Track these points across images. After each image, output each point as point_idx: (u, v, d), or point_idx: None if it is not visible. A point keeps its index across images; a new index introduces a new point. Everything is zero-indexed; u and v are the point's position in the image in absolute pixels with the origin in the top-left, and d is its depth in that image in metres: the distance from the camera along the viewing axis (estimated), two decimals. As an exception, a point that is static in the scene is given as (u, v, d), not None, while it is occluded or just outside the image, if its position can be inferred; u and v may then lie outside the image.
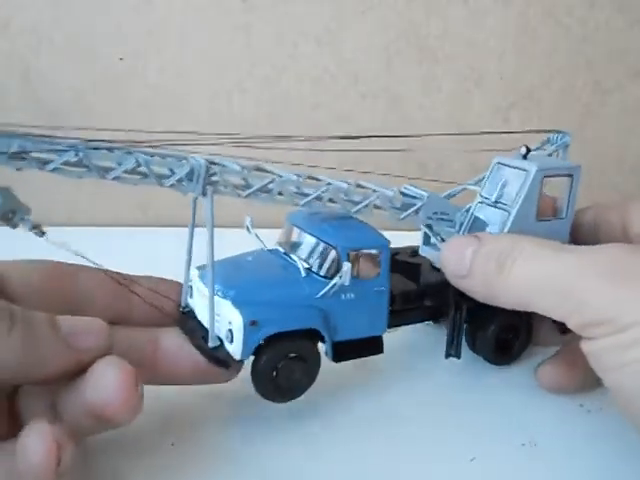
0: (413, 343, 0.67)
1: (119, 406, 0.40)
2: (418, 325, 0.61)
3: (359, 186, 0.51)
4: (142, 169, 0.43)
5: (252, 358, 0.49)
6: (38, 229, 0.41)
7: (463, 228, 0.57)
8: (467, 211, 0.57)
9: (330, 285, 0.49)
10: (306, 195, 0.49)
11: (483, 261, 0.49)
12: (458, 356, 0.60)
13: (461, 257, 0.50)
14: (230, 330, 0.47)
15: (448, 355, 0.60)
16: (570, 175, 0.58)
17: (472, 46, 1.03)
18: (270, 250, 0.56)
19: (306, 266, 0.51)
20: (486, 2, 1.01)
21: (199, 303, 0.51)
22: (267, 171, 0.48)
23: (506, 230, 0.55)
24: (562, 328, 0.60)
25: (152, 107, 1.04)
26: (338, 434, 0.52)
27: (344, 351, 0.52)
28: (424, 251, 0.61)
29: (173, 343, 0.50)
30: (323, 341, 0.51)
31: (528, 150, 0.57)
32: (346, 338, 0.52)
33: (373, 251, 0.52)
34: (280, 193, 0.48)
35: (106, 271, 0.49)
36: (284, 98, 1.04)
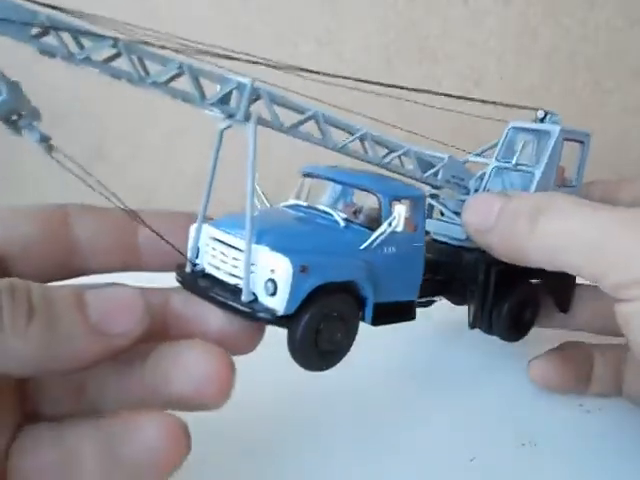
0: (412, 343, 0.67)
1: (216, 396, 0.38)
2: (413, 323, 0.60)
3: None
4: (185, 77, 0.37)
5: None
6: (47, 142, 0.34)
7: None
8: (481, 178, 0.57)
9: (379, 232, 0.45)
10: (347, 134, 0.45)
11: (512, 215, 0.46)
12: (486, 326, 0.56)
13: (488, 211, 0.48)
14: (272, 280, 0.40)
15: (474, 326, 0.56)
16: (582, 142, 0.58)
17: (472, 46, 1.03)
18: (288, 206, 0.50)
19: (343, 216, 0.47)
20: (486, 2, 1.01)
21: (215, 257, 0.45)
22: (304, 107, 0.44)
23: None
24: (562, 307, 0.60)
25: (154, 109, 1.04)
26: (338, 434, 0.52)
27: (382, 314, 0.47)
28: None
29: (188, 305, 0.43)
30: (360, 301, 0.46)
31: (546, 114, 0.57)
32: (384, 300, 0.47)
33: (412, 201, 0.48)
34: (320, 129, 0.44)
35: (107, 210, 0.41)
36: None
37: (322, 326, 0.42)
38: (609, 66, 1.05)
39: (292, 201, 0.50)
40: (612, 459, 0.50)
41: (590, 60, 1.05)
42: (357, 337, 0.46)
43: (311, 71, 0.43)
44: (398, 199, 0.47)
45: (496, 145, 0.60)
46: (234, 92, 0.40)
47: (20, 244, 0.42)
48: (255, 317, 0.41)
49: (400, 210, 0.44)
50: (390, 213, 0.45)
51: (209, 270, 0.45)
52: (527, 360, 0.63)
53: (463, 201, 0.54)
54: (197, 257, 0.46)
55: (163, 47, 0.36)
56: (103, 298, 0.36)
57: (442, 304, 0.60)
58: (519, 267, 0.49)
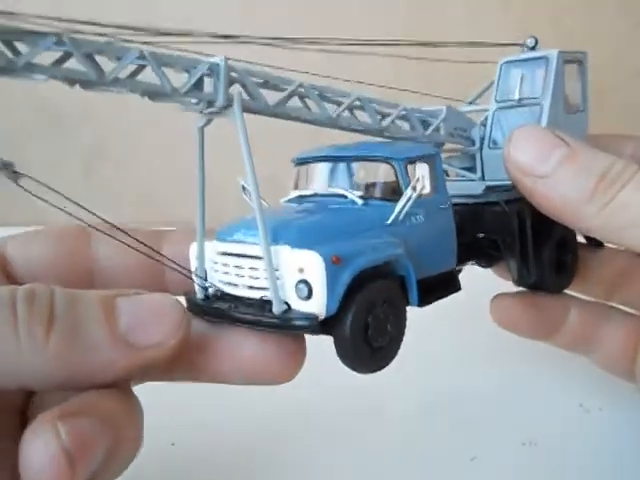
0: (411, 343, 0.67)
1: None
2: (410, 321, 0.58)
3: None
4: (147, 65, 0.31)
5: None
6: (8, 169, 0.28)
7: (485, 143, 0.52)
8: (483, 125, 0.52)
9: (404, 200, 0.40)
10: (338, 104, 0.40)
11: (580, 172, 0.41)
12: (535, 278, 0.51)
13: (543, 154, 0.42)
14: (304, 281, 0.35)
15: (520, 282, 0.52)
16: (580, 61, 0.55)
17: (472, 46, 1.03)
18: (290, 200, 0.45)
19: (358, 193, 0.42)
20: (486, 2, 1.01)
21: (229, 273, 0.39)
22: (287, 80, 0.39)
23: (543, 126, 0.49)
24: (595, 241, 0.56)
25: (155, 109, 1.04)
26: (338, 433, 0.52)
27: (427, 291, 0.42)
28: None
29: (212, 332, 0.38)
30: (401, 282, 0.41)
31: (536, 41, 0.53)
32: (425, 275, 0.42)
33: (427, 160, 0.43)
34: (304, 102, 0.40)
35: (127, 230, 0.38)
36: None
37: (370, 319, 0.37)
38: (609, 66, 1.05)
39: (294, 193, 0.45)
40: (612, 459, 0.50)
41: (590, 60, 1.04)
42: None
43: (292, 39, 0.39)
44: (412, 161, 0.42)
45: (487, 89, 0.56)
46: (205, 79, 0.34)
47: (41, 265, 0.40)
48: (294, 327, 0.35)
49: (423, 170, 0.40)
50: (408, 177, 0.41)
51: (224, 289, 0.39)
52: (527, 360, 0.63)
53: (470, 155, 0.51)
54: (205, 278, 0.40)
55: (123, 39, 0.30)
56: (136, 304, 0.32)
57: (440, 303, 0.60)
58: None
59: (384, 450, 0.50)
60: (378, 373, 0.57)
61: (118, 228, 0.36)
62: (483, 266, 0.55)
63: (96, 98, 1.14)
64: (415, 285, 0.40)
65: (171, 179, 1.20)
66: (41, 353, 0.29)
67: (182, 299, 0.39)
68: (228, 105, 0.34)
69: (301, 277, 0.35)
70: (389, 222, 0.40)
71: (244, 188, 0.44)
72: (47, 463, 0.28)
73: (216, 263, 0.39)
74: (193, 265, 0.41)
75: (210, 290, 0.40)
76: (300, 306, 0.35)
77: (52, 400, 0.35)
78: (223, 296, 0.39)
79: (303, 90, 0.39)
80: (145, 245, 0.38)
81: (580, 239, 0.56)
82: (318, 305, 0.35)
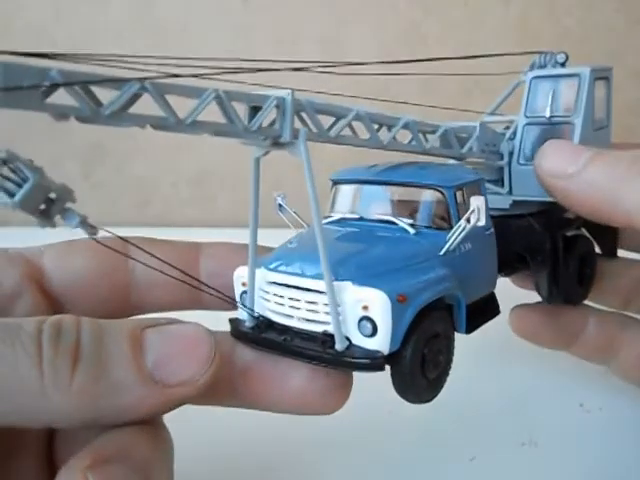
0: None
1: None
2: None
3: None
4: (223, 106, 0.32)
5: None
6: (87, 224, 0.28)
7: (514, 158, 0.51)
8: (511, 139, 0.52)
9: (458, 231, 0.39)
10: (389, 127, 0.41)
11: (609, 163, 0.41)
12: (564, 295, 0.52)
13: (573, 157, 0.43)
14: (368, 318, 0.35)
15: (551, 299, 0.52)
16: (606, 78, 0.54)
17: (472, 46, 1.03)
18: (332, 222, 0.44)
19: (408, 222, 0.41)
20: (486, 2, 1.01)
21: (283, 304, 0.38)
22: (346, 109, 0.39)
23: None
24: (609, 251, 0.57)
25: (155, 109, 1.04)
26: (337, 433, 0.52)
27: (472, 317, 0.42)
28: None
29: (260, 359, 0.37)
30: (449, 310, 0.41)
31: (567, 57, 0.53)
32: (469, 301, 0.42)
33: (474, 186, 0.43)
34: (351, 126, 0.39)
35: (167, 242, 0.36)
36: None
37: (426, 352, 0.37)
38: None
39: (336, 215, 0.44)
40: (612, 459, 0.50)
41: (590, 60, 1.04)
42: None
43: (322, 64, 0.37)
44: (461, 188, 0.42)
45: (506, 99, 0.56)
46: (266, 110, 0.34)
47: (75, 278, 0.39)
48: (357, 365, 0.35)
49: (479, 203, 0.39)
50: (457, 205, 0.41)
51: (276, 319, 0.38)
52: (527, 360, 0.63)
53: (498, 168, 0.51)
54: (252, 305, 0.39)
55: (197, 76, 0.30)
56: (165, 338, 0.31)
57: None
58: (570, 219, 0.46)
59: (384, 450, 0.50)
60: (377, 375, 0.57)
61: (157, 240, 0.36)
62: (502, 275, 0.54)
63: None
64: (464, 314, 0.41)
65: (171, 180, 1.21)
66: (65, 392, 0.28)
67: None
68: (294, 138, 0.34)
69: (365, 314, 0.35)
70: (442, 253, 0.40)
71: (280, 206, 0.44)
72: None
73: (267, 293, 0.39)
74: (238, 291, 0.40)
75: (262, 319, 0.39)
76: (362, 342, 0.35)
77: (79, 437, 0.34)
78: (272, 325, 0.39)
79: (362, 118, 0.39)
80: (182, 272, 0.36)
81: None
82: (382, 342, 0.35)
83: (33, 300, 0.37)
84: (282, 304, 0.38)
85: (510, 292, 0.56)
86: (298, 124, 0.36)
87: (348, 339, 0.35)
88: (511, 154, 0.51)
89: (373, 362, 0.35)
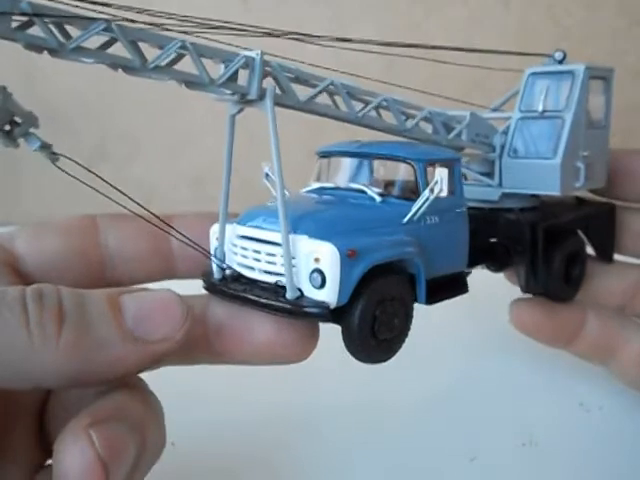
0: (411, 342, 0.67)
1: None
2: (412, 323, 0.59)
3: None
4: (188, 56, 0.33)
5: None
6: (49, 150, 0.30)
7: (505, 151, 0.52)
8: (505, 133, 0.53)
9: (421, 201, 0.41)
10: (365, 103, 0.42)
11: None
12: (540, 286, 0.52)
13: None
14: (318, 270, 0.37)
15: (528, 289, 0.53)
16: (605, 78, 0.55)
17: (472, 46, 1.03)
18: (313, 190, 0.47)
19: (377, 190, 0.44)
20: (486, 2, 1.01)
21: (247, 256, 0.41)
22: (318, 77, 0.41)
23: (563, 141, 0.51)
24: (605, 256, 0.57)
25: (155, 109, 1.04)
26: (338, 433, 0.52)
27: (435, 290, 0.43)
28: None
29: (230, 315, 0.39)
30: (411, 279, 0.42)
31: (565, 54, 0.54)
32: (435, 275, 0.44)
33: (447, 164, 0.44)
34: (333, 99, 0.41)
35: (136, 217, 0.38)
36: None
37: (378, 313, 0.39)
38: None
39: (315, 185, 0.47)
40: (612, 459, 0.50)
41: (590, 60, 1.04)
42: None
43: (317, 36, 0.41)
44: (432, 163, 0.44)
45: (511, 97, 0.56)
46: (240, 70, 0.36)
47: (49, 259, 0.40)
48: (305, 314, 0.37)
49: (442, 173, 0.41)
50: (426, 179, 0.43)
51: (241, 271, 0.41)
52: (526, 360, 0.63)
53: (489, 161, 0.51)
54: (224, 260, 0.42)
55: (163, 27, 0.32)
56: (140, 301, 0.33)
57: (441, 304, 0.60)
58: (563, 221, 0.47)
59: (384, 450, 0.50)
60: (378, 373, 0.58)
61: (133, 212, 0.37)
62: (493, 270, 0.56)
63: (97, 98, 1.14)
64: (424, 284, 0.42)
65: (171, 180, 1.21)
66: (53, 349, 0.29)
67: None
68: (261, 98, 0.36)
69: (316, 266, 0.37)
70: (405, 221, 0.42)
71: (267, 175, 0.45)
72: (84, 471, 0.28)
73: (235, 246, 0.41)
74: (213, 246, 0.42)
75: (227, 272, 0.41)
76: (312, 294, 0.37)
77: (72, 402, 0.36)
78: (239, 278, 0.41)
79: (333, 87, 0.41)
80: (157, 226, 0.38)
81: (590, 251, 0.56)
82: (330, 295, 0.36)
83: (9, 284, 0.37)
84: (246, 256, 0.40)
85: (510, 292, 0.56)
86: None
87: (300, 290, 0.37)
88: (503, 147, 0.52)
89: (319, 312, 0.36)
